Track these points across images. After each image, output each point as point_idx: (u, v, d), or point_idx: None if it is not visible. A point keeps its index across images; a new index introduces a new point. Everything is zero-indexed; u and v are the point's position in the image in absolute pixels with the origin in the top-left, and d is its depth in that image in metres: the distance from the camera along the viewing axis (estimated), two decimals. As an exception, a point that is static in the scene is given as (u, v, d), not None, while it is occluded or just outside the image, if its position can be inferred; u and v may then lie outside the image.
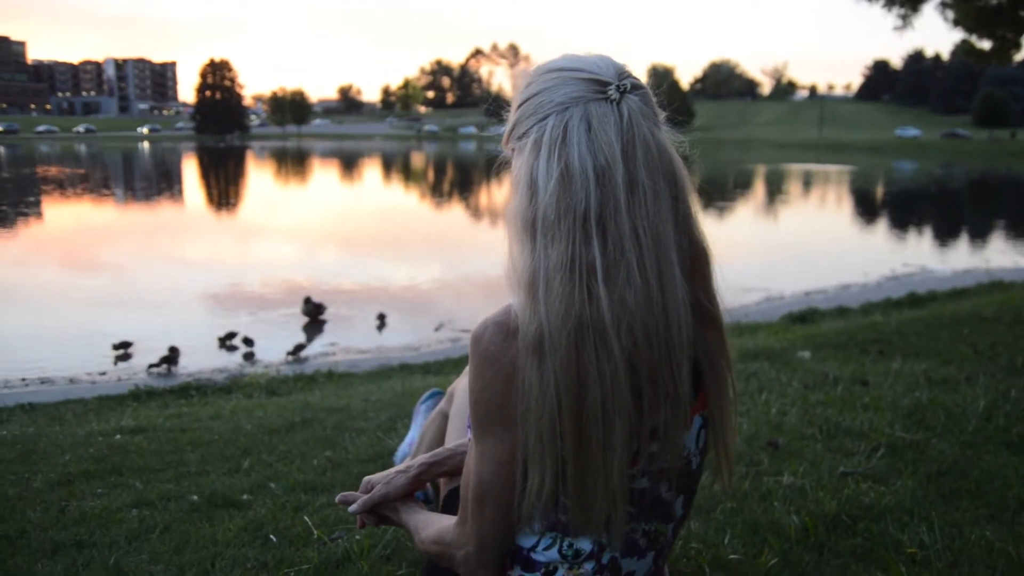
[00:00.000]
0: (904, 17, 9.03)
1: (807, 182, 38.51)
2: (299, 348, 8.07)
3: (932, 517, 2.19)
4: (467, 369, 1.88)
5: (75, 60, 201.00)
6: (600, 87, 1.17)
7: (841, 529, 2.15)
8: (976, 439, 2.87)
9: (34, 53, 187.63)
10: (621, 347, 1.10)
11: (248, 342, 8.34)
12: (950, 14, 9.02)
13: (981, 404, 3.26)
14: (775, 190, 34.23)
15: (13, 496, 2.66)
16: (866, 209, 26.48)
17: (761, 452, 2.79)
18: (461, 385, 1.94)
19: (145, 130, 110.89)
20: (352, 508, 1.57)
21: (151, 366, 7.58)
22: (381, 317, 9.40)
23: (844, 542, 2.08)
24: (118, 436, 3.52)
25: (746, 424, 3.10)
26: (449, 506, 1.63)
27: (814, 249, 16.79)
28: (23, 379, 7.31)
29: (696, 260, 1.22)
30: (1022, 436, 2.88)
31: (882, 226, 21.85)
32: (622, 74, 1.20)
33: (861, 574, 1.93)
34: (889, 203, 29.06)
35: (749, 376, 4.06)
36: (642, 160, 1.15)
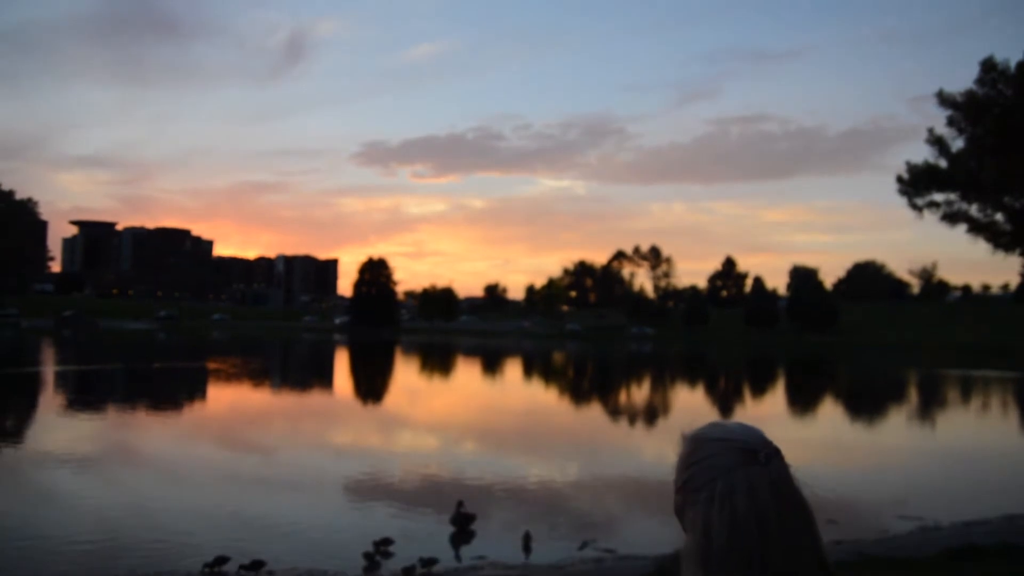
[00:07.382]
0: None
1: (966, 390, 36.39)
2: (431, 562, 8.43)
3: None
4: None
5: (251, 255, 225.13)
6: (751, 455, 1.64)
7: None
8: None
9: (219, 250, 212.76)
10: None
11: (384, 550, 8.85)
12: None
13: None
14: (930, 399, 32.54)
15: None
16: (1035, 424, 24.72)
17: None
18: None
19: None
20: None
21: (241, 567, 8.03)
22: (527, 537, 9.42)
23: None
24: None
25: None
26: None
27: (976, 470, 15.80)
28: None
29: (824, 571, 1.61)
30: None
31: (1054, 446, 20.34)
32: (766, 442, 1.66)
33: None
34: (1062, 418, 27.03)
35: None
36: (789, 509, 1.60)
